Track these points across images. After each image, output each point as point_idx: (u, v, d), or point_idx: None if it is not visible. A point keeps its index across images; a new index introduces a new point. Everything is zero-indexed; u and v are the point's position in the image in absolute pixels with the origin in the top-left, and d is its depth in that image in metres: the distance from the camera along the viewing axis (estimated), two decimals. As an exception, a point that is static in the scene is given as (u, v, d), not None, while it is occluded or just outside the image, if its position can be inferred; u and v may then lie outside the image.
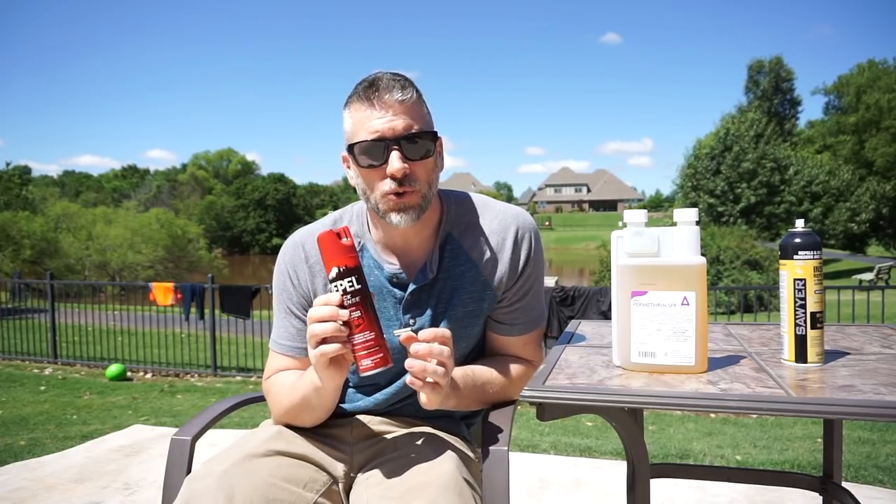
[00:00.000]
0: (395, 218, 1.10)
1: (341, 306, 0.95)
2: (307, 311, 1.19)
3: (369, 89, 1.08)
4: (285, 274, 1.22)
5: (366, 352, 0.95)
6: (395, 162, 1.06)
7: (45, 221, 23.01)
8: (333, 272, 0.96)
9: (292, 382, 1.15)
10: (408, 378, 0.98)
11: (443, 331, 0.99)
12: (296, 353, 1.21)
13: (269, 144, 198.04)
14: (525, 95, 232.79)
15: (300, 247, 1.22)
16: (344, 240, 0.97)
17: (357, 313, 0.95)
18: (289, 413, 1.15)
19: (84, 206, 31.54)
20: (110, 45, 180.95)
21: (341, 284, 0.95)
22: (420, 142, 1.09)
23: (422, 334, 0.97)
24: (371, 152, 1.08)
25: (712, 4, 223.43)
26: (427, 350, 0.96)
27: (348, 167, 1.17)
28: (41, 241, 21.22)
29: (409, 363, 0.97)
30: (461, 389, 1.11)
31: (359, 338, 0.95)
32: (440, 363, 0.97)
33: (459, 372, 1.13)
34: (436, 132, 1.12)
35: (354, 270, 0.96)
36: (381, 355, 0.95)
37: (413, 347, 0.96)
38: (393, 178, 1.07)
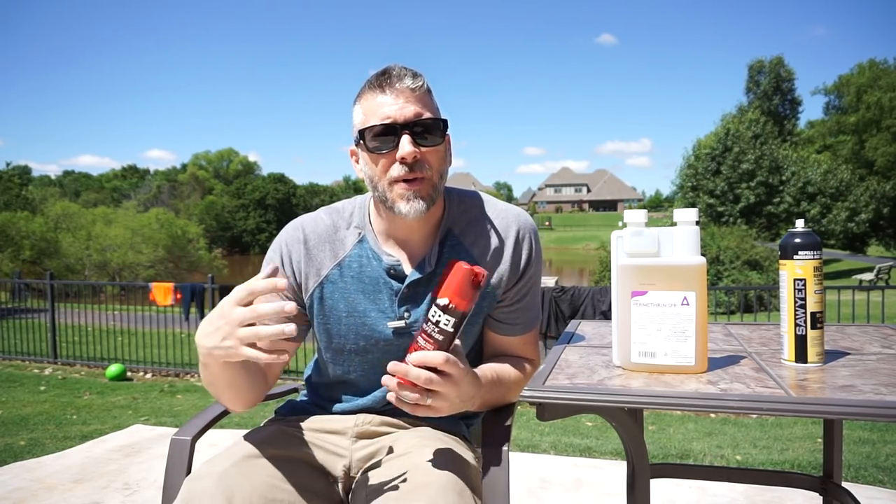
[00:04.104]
0: (403, 207, 1.09)
1: (420, 334, 0.93)
2: (289, 294, 1.17)
3: (381, 77, 1.09)
4: (278, 251, 1.21)
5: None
6: (405, 146, 1.06)
7: (45, 221, 22.99)
8: (443, 301, 0.91)
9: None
10: (392, 398, 0.94)
11: (433, 357, 0.91)
12: None
13: (269, 144, 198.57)
14: (523, 96, 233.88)
15: (300, 228, 1.21)
16: (477, 287, 0.92)
17: (424, 344, 0.92)
18: (210, 389, 1.11)
19: (84, 206, 31.49)
20: (110, 46, 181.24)
21: (439, 315, 0.91)
22: (430, 128, 1.09)
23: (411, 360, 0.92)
24: (382, 137, 1.07)
25: (706, 5, 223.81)
26: (404, 372, 0.91)
27: (356, 161, 1.17)
28: (41, 242, 21.21)
29: (384, 380, 0.92)
30: (486, 391, 1.09)
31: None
32: (424, 389, 0.92)
33: (479, 372, 1.10)
34: (445, 121, 1.12)
35: (462, 316, 0.92)
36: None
37: (391, 367, 0.91)
38: (403, 161, 1.07)
